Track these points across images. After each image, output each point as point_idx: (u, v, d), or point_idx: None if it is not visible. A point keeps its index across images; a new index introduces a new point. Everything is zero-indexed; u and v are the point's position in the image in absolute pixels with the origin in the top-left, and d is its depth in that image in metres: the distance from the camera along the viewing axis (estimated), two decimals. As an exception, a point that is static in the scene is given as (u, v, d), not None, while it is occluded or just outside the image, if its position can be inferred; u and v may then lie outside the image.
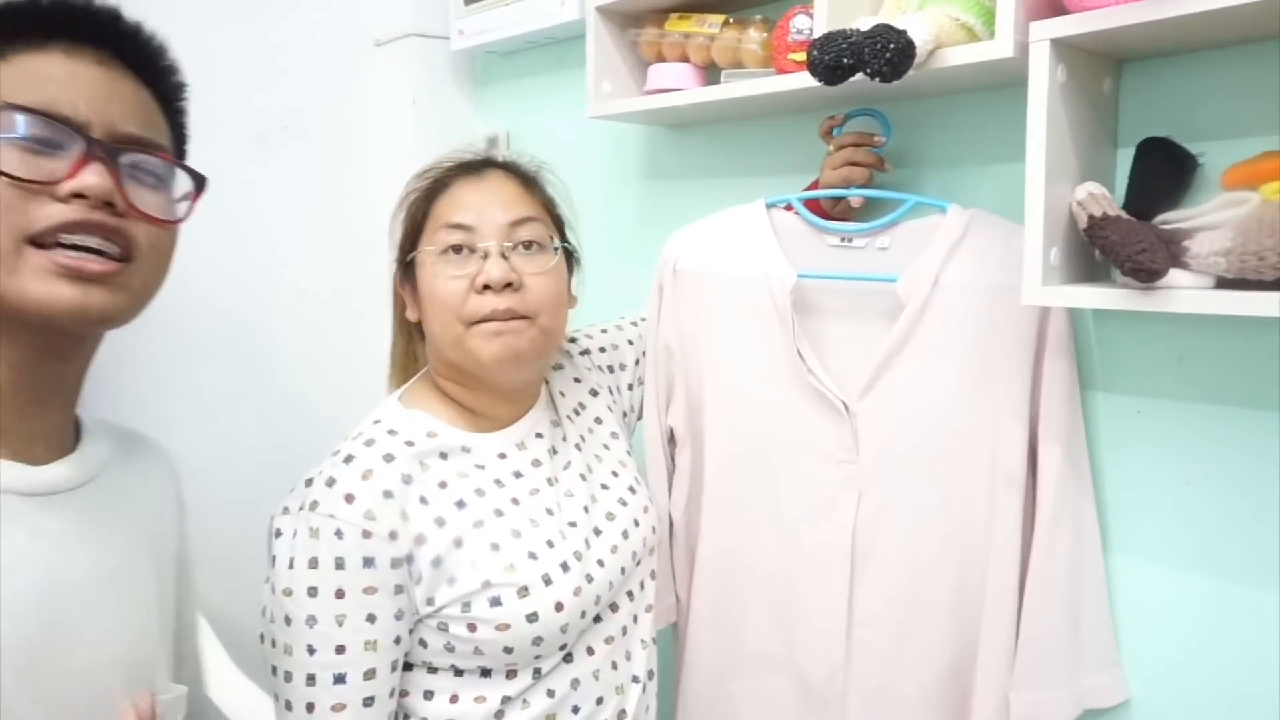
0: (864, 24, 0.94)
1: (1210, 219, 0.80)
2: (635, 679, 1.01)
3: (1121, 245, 0.80)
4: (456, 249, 0.93)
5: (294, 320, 1.79)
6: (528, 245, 0.95)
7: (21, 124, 0.65)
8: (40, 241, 0.64)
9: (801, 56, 1.05)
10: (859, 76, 0.93)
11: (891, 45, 0.87)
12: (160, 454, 0.88)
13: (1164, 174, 0.90)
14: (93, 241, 0.66)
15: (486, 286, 0.91)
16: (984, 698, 1.02)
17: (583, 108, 1.37)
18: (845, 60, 0.91)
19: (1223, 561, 0.94)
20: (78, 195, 0.65)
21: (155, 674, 0.79)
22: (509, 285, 0.91)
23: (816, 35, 1.01)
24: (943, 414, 1.02)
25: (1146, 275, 0.77)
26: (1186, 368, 0.95)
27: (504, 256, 0.93)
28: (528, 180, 1.01)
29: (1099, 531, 1.01)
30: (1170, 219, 0.84)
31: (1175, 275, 0.79)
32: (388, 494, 0.86)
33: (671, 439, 1.21)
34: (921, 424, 1.03)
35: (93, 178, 0.65)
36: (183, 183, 0.76)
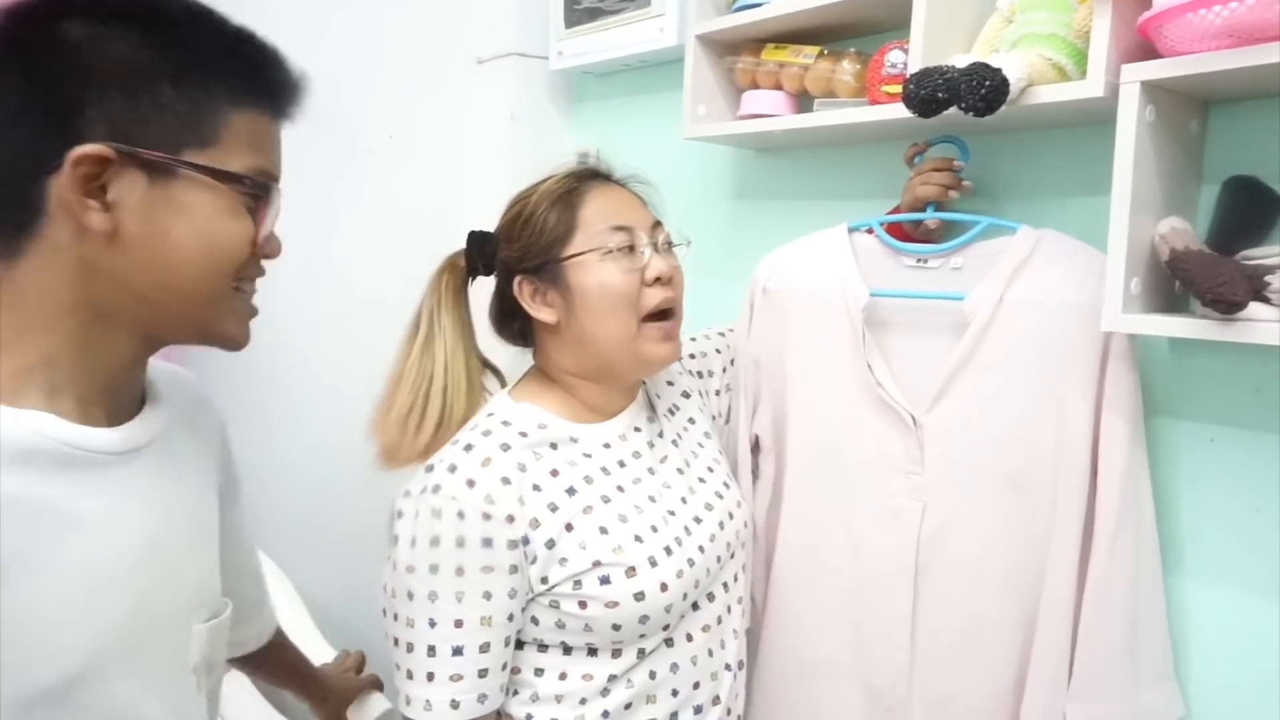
0: (958, 61, 0.99)
1: (1292, 256, 0.84)
2: (728, 667, 1.06)
3: (1203, 277, 0.84)
4: (622, 248, 1.00)
5: (386, 327, 1.88)
6: (667, 245, 1.05)
7: (266, 195, 0.75)
8: (239, 287, 0.76)
9: (896, 89, 1.11)
10: (951, 110, 0.98)
11: (987, 82, 0.93)
12: (197, 387, 0.93)
13: (1248, 212, 0.94)
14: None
15: (657, 279, 1.00)
16: (1033, 709, 1.04)
17: (674, 128, 1.45)
18: (940, 95, 0.97)
19: (1291, 590, 0.97)
20: (268, 255, 0.78)
21: (216, 596, 0.86)
22: (670, 278, 1.02)
23: (910, 70, 1.07)
24: (1007, 428, 1.05)
25: (1227, 307, 0.82)
26: (1261, 398, 0.98)
27: (658, 251, 1.02)
28: (631, 190, 1.08)
29: (1158, 546, 1.03)
30: (1253, 255, 0.88)
31: (1255, 308, 0.83)
32: (505, 480, 0.93)
33: (757, 447, 1.27)
34: (986, 437, 1.07)
35: (277, 244, 0.78)
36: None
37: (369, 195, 1.79)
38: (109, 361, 0.73)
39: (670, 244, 1.06)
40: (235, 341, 0.78)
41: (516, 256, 1.04)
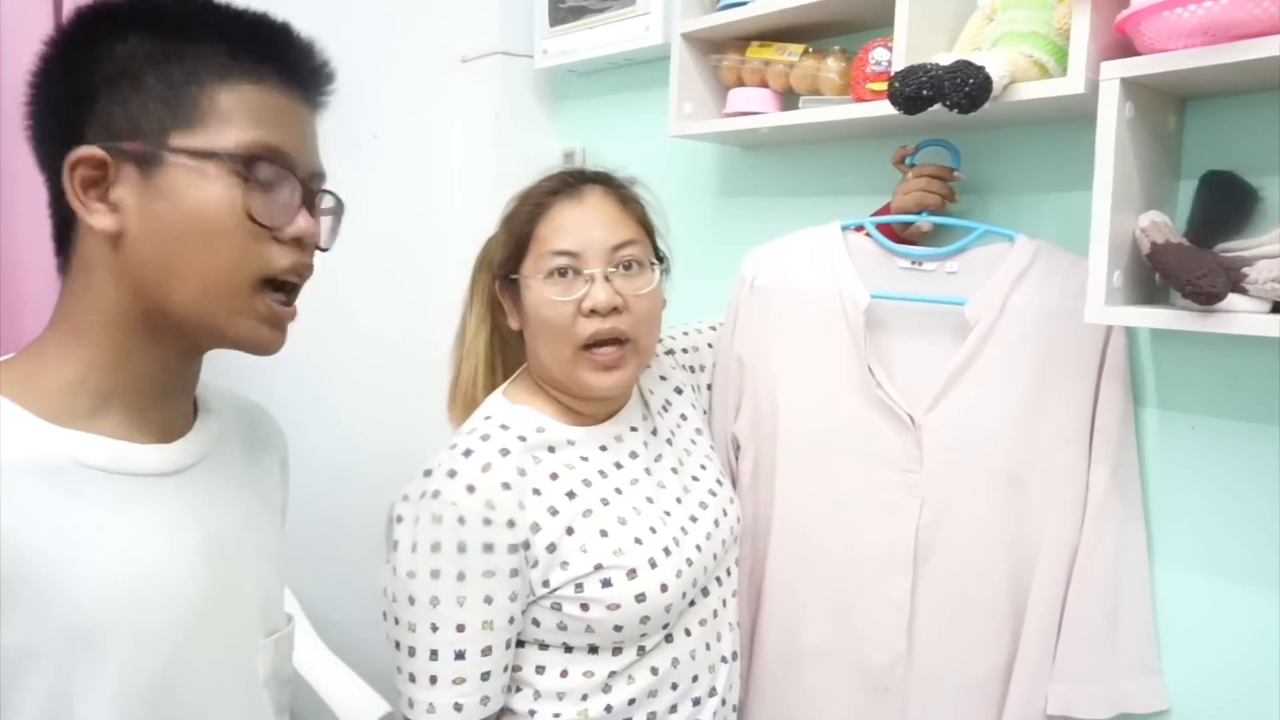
0: (942, 59, 1.01)
1: (1270, 248, 0.87)
2: (724, 659, 1.08)
3: (1182, 270, 0.86)
4: (562, 272, 0.98)
5: (369, 326, 1.88)
6: (628, 266, 1.01)
7: (264, 170, 0.70)
8: (268, 280, 0.71)
9: (880, 86, 1.13)
10: (935, 107, 1.00)
11: (971, 80, 0.95)
12: (270, 418, 0.95)
13: (1225, 205, 0.96)
14: (292, 293, 0.73)
15: (593, 311, 0.97)
16: (1020, 689, 1.07)
17: (658, 126, 1.46)
18: (925, 92, 0.98)
19: (1269, 577, 0.99)
20: (296, 240, 0.72)
21: (280, 612, 0.87)
22: (614, 309, 0.98)
23: (895, 68, 1.09)
24: (1004, 429, 1.08)
25: (1206, 298, 0.83)
26: (1240, 387, 1.00)
27: (608, 280, 0.98)
28: (624, 196, 1.06)
29: (1144, 545, 1.06)
30: (1230, 248, 0.91)
31: (1233, 299, 0.85)
32: (506, 485, 0.94)
33: (736, 447, 1.28)
34: (983, 438, 1.09)
35: (307, 224, 0.72)
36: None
37: (353, 194, 1.77)
38: (151, 372, 0.72)
39: (638, 262, 1.01)
40: (255, 344, 0.72)
41: (496, 260, 1.06)
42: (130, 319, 0.70)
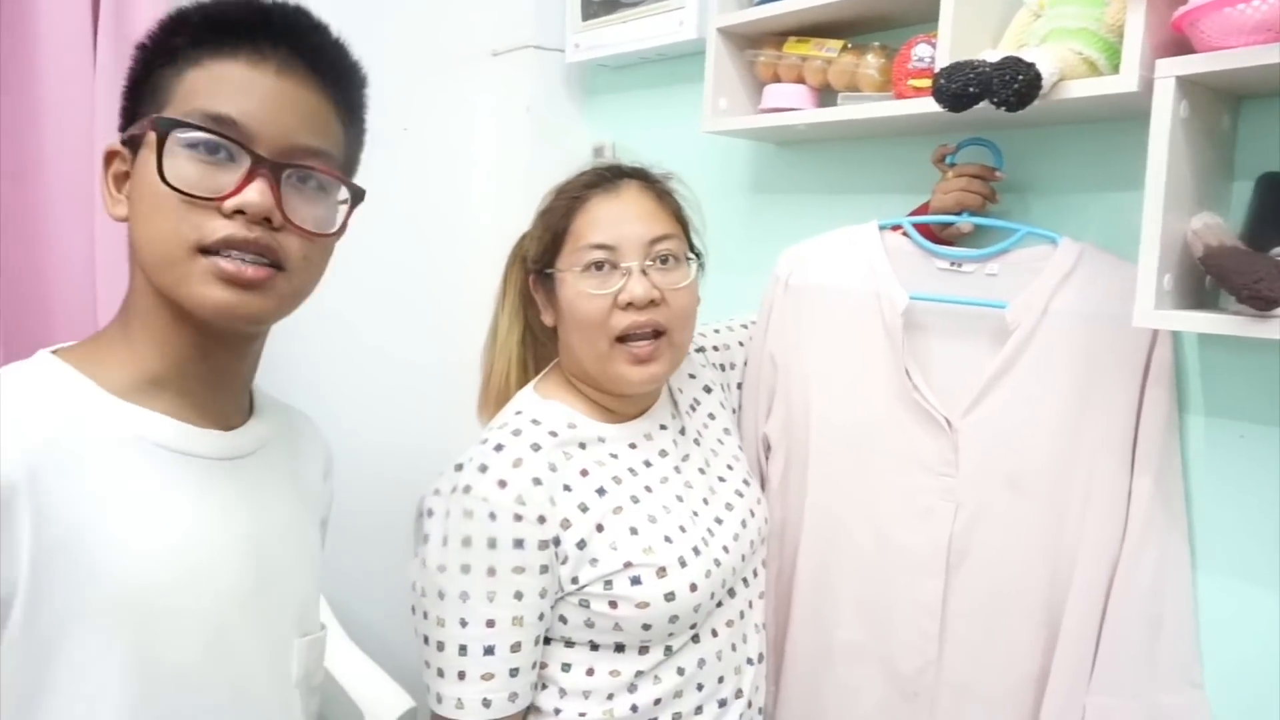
0: (989, 56, 0.99)
1: (1328, 253, 0.84)
2: (750, 660, 1.07)
3: (1238, 274, 0.84)
4: (599, 266, 0.98)
5: (398, 320, 1.87)
6: (664, 260, 1.00)
7: (199, 138, 0.70)
8: (206, 250, 0.70)
9: (923, 83, 1.11)
10: (980, 104, 0.98)
11: (1020, 77, 0.92)
12: (316, 429, 0.96)
13: (1281, 208, 0.93)
14: (247, 255, 0.70)
15: (630, 304, 0.97)
16: (1055, 700, 1.05)
17: (691, 121, 1.44)
18: (972, 89, 0.96)
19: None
20: (239, 211, 0.69)
21: (315, 617, 0.88)
22: (651, 302, 0.97)
23: (938, 64, 1.06)
24: (1044, 435, 1.06)
25: (1264, 304, 0.81)
26: (1294, 395, 0.98)
27: (644, 273, 0.98)
28: (660, 191, 1.06)
29: (1187, 557, 1.03)
30: (1287, 251, 0.88)
31: (1291, 305, 0.82)
32: (537, 481, 0.93)
33: (767, 447, 1.27)
34: (1022, 444, 1.07)
35: (254, 195, 0.69)
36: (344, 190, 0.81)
37: (382, 188, 1.77)
38: (191, 355, 0.75)
39: (674, 257, 1.01)
40: (204, 306, 0.70)
41: (532, 254, 1.05)
42: (155, 302, 0.73)
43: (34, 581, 0.62)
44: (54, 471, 0.64)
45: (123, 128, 0.75)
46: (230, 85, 0.71)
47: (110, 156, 0.75)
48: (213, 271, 0.69)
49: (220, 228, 0.69)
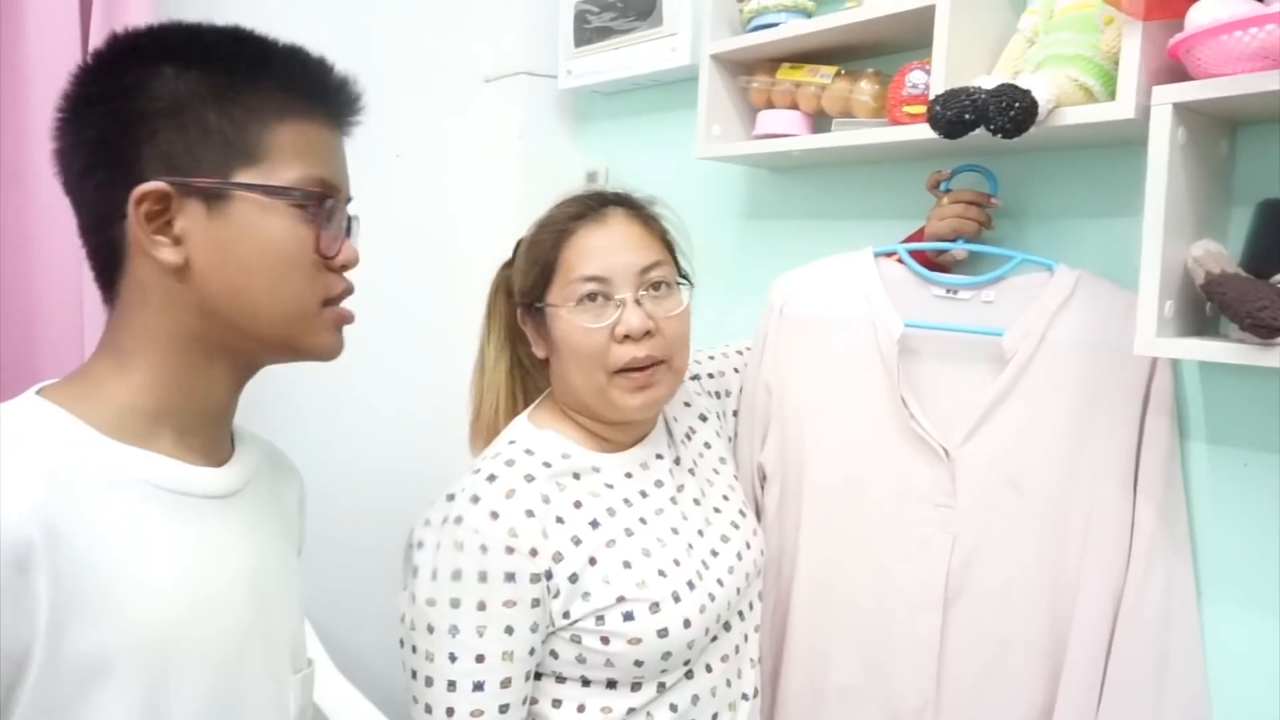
0: (984, 82, 0.98)
1: (1330, 280, 0.83)
2: (744, 696, 1.04)
3: (1240, 302, 0.83)
4: (592, 298, 0.96)
5: (390, 347, 1.86)
6: (657, 287, 0.99)
7: (327, 205, 0.75)
8: (329, 302, 0.77)
9: (917, 109, 1.10)
10: (975, 131, 0.97)
11: (1016, 104, 0.92)
12: (289, 460, 0.95)
13: (1282, 235, 0.92)
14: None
15: (627, 336, 0.95)
16: None
17: (683, 147, 1.43)
18: (968, 116, 0.96)
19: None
20: (344, 266, 0.78)
21: (304, 652, 0.86)
22: (647, 332, 0.96)
23: (933, 90, 1.06)
24: (1043, 464, 1.04)
25: (1267, 332, 0.80)
26: (1297, 423, 0.97)
27: (638, 303, 0.96)
28: (646, 216, 1.04)
29: (1193, 588, 1.02)
30: (1289, 278, 0.87)
31: (1294, 333, 0.81)
32: (529, 513, 0.91)
33: (762, 477, 1.25)
34: (1021, 473, 1.05)
35: (351, 252, 0.78)
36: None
37: (375, 213, 1.77)
38: (201, 394, 0.75)
39: (666, 283, 1.00)
40: (328, 353, 0.78)
41: (520, 288, 1.04)
42: (188, 343, 0.73)
43: (52, 637, 0.61)
44: (64, 520, 0.63)
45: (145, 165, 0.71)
46: (323, 147, 0.76)
47: (147, 197, 0.69)
48: (335, 321, 0.78)
49: (337, 281, 0.77)
